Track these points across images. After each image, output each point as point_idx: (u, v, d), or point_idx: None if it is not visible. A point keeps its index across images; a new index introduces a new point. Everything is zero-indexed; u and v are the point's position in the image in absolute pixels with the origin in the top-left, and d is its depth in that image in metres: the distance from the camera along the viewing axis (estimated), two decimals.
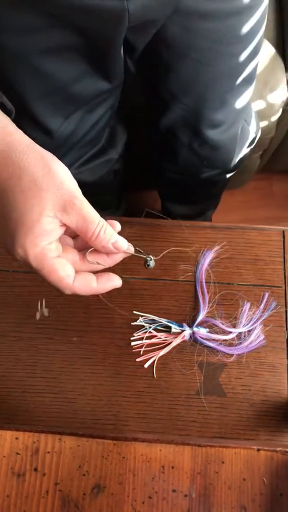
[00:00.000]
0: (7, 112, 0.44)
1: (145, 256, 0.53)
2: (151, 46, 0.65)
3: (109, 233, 0.42)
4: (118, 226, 0.44)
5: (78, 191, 0.40)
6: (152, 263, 0.53)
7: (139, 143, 0.96)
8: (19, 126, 0.42)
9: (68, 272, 0.41)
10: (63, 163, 0.41)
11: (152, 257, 0.54)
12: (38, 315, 0.58)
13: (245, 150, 0.87)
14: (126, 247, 0.44)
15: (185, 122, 0.75)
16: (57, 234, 0.40)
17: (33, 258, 0.39)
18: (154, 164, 1.01)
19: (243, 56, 0.66)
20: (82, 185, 0.99)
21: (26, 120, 0.71)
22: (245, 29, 0.62)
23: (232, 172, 0.91)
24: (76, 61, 0.63)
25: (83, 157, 0.82)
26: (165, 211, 1.18)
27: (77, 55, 0.62)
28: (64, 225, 0.40)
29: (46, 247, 0.40)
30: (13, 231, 0.39)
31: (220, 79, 0.68)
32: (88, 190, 1.06)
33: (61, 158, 0.41)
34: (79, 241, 0.46)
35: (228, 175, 0.92)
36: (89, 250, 0.44)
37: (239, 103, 0.74)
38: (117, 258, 0.45)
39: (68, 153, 0.78)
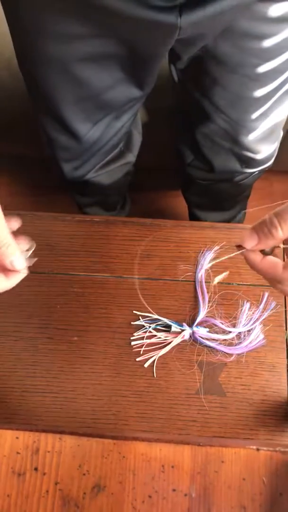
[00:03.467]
0: None
1: None
2: (200, 59, 0.64)
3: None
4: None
5: None
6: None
7: (149, 145, 0.96)
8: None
9: None
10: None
11: None
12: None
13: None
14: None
15: (225, 131, 0.75)
16: None
17: None
18: (181, 173, 0.99)
19: None
20: (97, 187, 0.99)
21: (54, 124, 0.71)
22: None
23: (268, 167, 0.90)
24: (113, 69, 0.62)
25: (102, 161, 0.82)
26: (193, 219, 1.16)
27: (115, 63, 0.61)
28: None
29: None
30: None
31: (267, 93, 0.68)
32: (102, 191, 1.05)
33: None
34: None
35: (259, 172, 0.91)
36: None
37: (281, 112, 0.74)
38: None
39: (91, 158, 0.78)
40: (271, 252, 0.39)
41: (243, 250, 0.40)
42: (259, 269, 0.40)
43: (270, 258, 0.39)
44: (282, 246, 0.39)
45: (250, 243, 0.39)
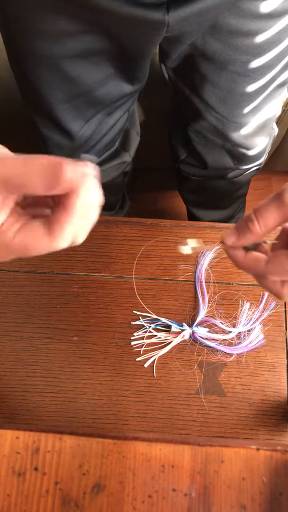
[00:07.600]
0: None
1: None
2: (190, 57, 0.64)
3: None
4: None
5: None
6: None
7: (147, 145, 0.96)
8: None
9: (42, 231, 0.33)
10: None
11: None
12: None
13: (271, 141, 0.88)
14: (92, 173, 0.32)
15: (216, 128, 0.76)
16: (3, 211, 0.32)
17: None
18: (176, 170, 1.00)
19: (281, 64, 0.65)
20: None
21: (47, 123, 0.71)
22: (287, 41, 0.62)
23: (261, 164, 0.91)
24: (103, 65, 0.62)
25: (97, 160, 0.82)
26: (192, 219, 1.15)
27: (106, 59, 0.62)
28: (5, 196, 0.32)
29: None
30: None
31: (258, 88, 0.68)
32: None
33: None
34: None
35: (255, 168, 0.91)
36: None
37: (273, 106, 0.74)
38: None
39: None
40: (254, 248, 0.39)
41: (224, 246, 0.39)
42: (242, 266, 0.40)
43: (253, 253, 0.39)
44: (268, 242, 0.39)
45: (230, 239, 0.39)
